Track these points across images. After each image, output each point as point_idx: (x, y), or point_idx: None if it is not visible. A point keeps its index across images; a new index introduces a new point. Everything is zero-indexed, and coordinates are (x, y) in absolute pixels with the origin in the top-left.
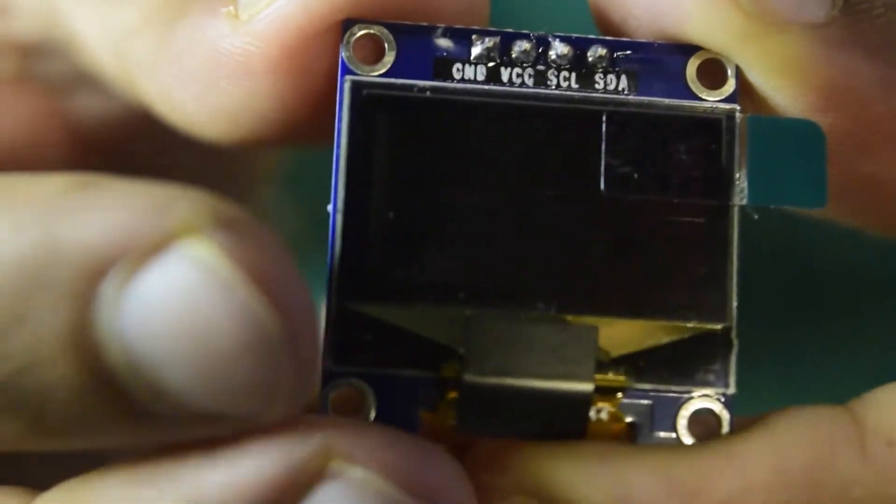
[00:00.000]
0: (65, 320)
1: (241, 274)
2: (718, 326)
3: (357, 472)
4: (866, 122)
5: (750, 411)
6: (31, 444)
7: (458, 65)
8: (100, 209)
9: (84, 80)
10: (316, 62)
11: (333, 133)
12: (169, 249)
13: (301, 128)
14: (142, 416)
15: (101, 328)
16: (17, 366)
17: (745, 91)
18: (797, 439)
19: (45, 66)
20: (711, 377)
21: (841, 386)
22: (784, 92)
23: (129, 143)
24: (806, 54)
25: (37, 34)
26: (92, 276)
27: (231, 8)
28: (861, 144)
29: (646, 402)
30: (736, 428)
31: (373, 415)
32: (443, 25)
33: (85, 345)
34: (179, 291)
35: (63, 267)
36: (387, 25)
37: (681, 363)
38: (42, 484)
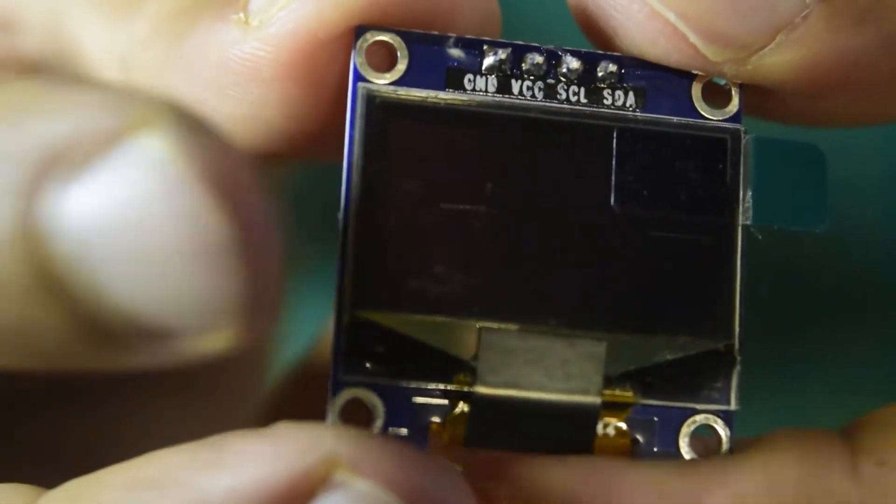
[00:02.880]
0: (9, 214)
1: (194, 173)
2: (721, 344)
3: (361, 484)
4: (881, 83)
5: (754, 426)
6: None
7: (470, 75)
8: (56, 105)
9: None
10: (326, 69)
11: (342, 142)
12: (120, 143)
13: (309, 139)
14: (90, 329)
15: (43, 224)
16: None
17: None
18: (790, 459)
19: None
20: (715, 394)
21: (845, 401)
22: (787, 92)
23: None
24: (794, 60)
25: (43, 51)
26: (40, 170)
27: (241, 15)
28: (884, 98)
29: (652, 417)
30: (735, 448)
31: (381, 425)
32: (455, 35)
33: (29, 241)
34: (124, 186)
35: (12, 160)
36: (399, 33)
37: (686, 379)
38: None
